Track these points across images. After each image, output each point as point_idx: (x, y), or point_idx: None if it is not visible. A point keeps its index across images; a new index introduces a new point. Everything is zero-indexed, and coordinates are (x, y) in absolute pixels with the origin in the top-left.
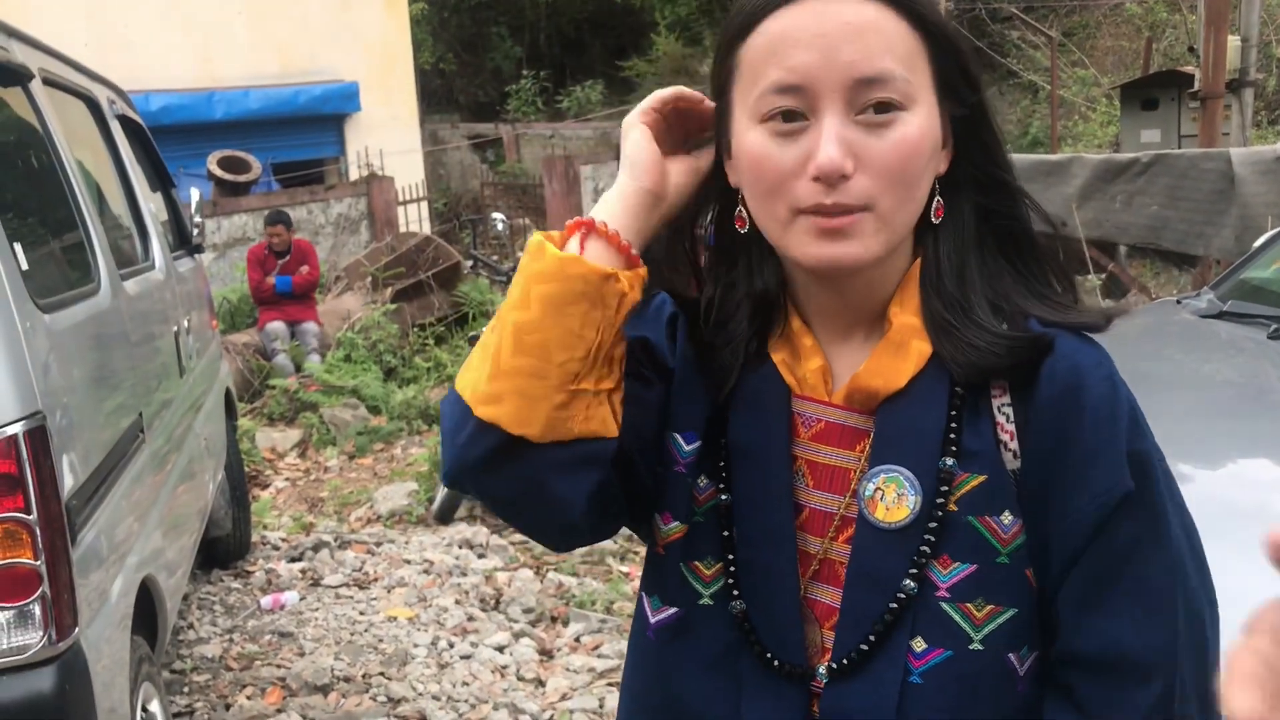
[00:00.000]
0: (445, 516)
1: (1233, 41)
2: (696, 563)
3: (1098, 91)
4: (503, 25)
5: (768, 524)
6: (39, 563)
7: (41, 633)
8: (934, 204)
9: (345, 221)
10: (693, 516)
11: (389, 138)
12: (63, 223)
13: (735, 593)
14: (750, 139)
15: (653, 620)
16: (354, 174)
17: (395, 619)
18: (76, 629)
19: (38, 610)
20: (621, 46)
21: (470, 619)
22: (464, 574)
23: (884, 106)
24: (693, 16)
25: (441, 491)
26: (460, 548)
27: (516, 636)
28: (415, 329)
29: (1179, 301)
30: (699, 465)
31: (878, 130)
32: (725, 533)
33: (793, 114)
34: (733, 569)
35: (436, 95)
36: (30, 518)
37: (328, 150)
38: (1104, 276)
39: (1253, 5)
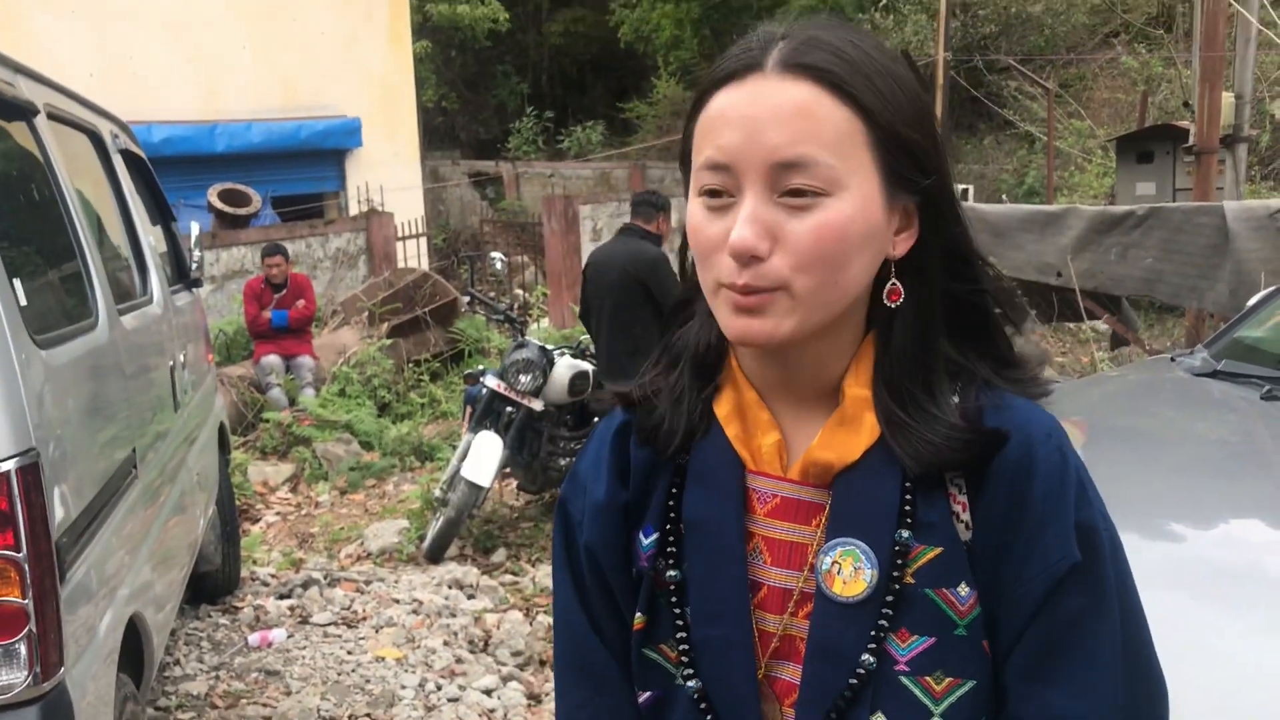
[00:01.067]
0: (436, 555)
1: (1227, 98)
2: (663, 645)
3: (1094, 143)
4: (508, 64)
5: (722, 602)
6: (26, 601)
7: (26, 672)
8: (888, 287)
9: (343, 256)
10: (655, 602)
11: (390, 173)
12: (62, 257)
13: (689, 672)
14: (691, 208)
15: (639, 701)
16: (354, 209)
17: (383, 659)
18: (62, 668)
19: (23, 649)
20: (623, 88)
21: (459, 661)
22: (453, 615)
23: (803, 191)
24: (693, 60)
25: (433, 530)
26: (450, 588)
27: (505, 680)
28: (411, 365)
29: (1173, 359)
30: (658, 554)
31: (797, 213)
32: (678, 612)
33: (719, 191)
34: (685, 648)
35: (438, 132)
36: (19, 555)
37: (328, 185)
38: (1103, 327)
39: (1246, 63)
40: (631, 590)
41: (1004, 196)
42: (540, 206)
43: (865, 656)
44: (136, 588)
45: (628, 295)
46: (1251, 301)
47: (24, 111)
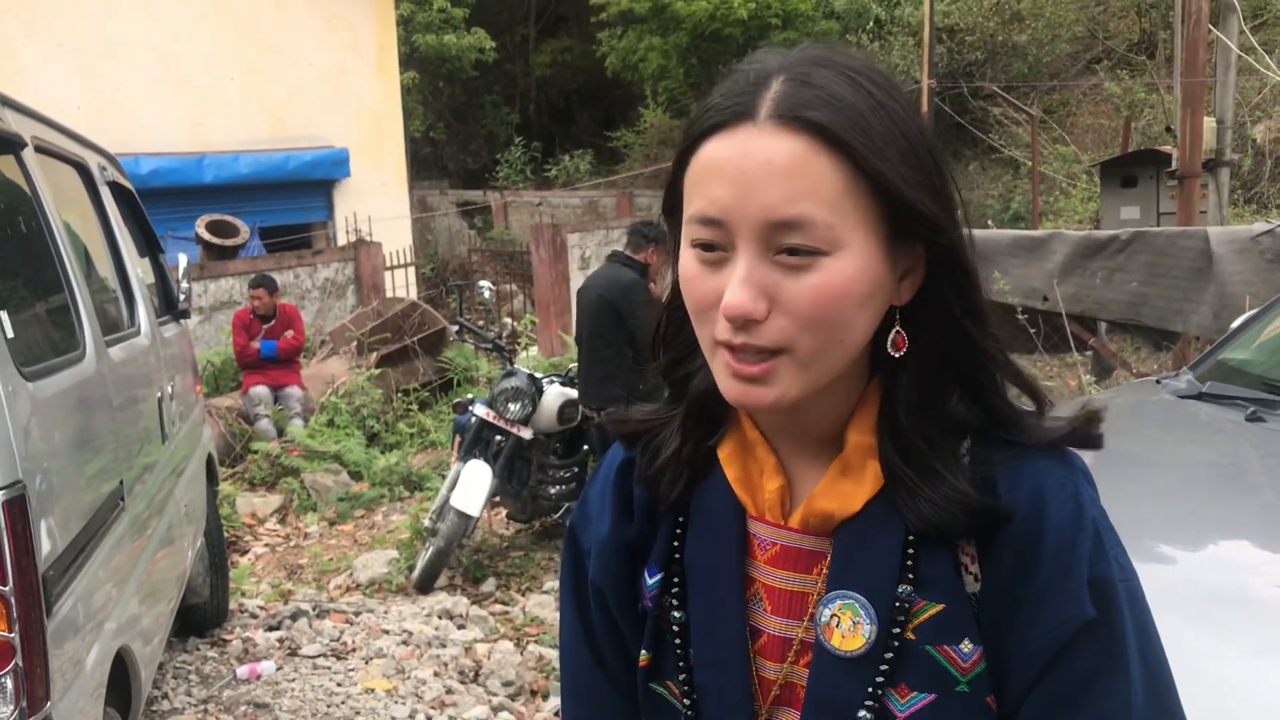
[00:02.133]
0: (425, 585)
1: (1209, 123)
2: (669, 682)
3: (1078, 168)
4: (496, 94)
5: (720, 648)
6: (12, 635)
7: (13, 707)
8: (892, 335)
9: (332, 286)
10: (661, 640)
11: (378, 203)
12: (50, 289)
13: (692, 714)
14: (684, 258)
15: None
16: (342, 239)
17: (373, 691)
18: (49, 702)
19: (9, 684)
20: (610, 117)
21: (449, 691)
22: (443, 645)
23: (799, 251)
24: (681, 90)
25: (422, 560)
26: (440, 618)
27: (495, 710)
28: (399, 394)
29: (1158, 382)
30: (663, 594)
31: (794, 273)
32: (680, 652)
33: (712, 245)
34: (688, 689)
35: (426, 162)
36: (5, 588)
37: (316, 215)
38: (1088, 353)
39: (1227, 89)
40: (638, 625)
41: (990, 222)
42: (528, 235)
43: (862, 713)
44: (124, 621)
45: (602, 320)
46: (1236, 324)
47: (11, 144)
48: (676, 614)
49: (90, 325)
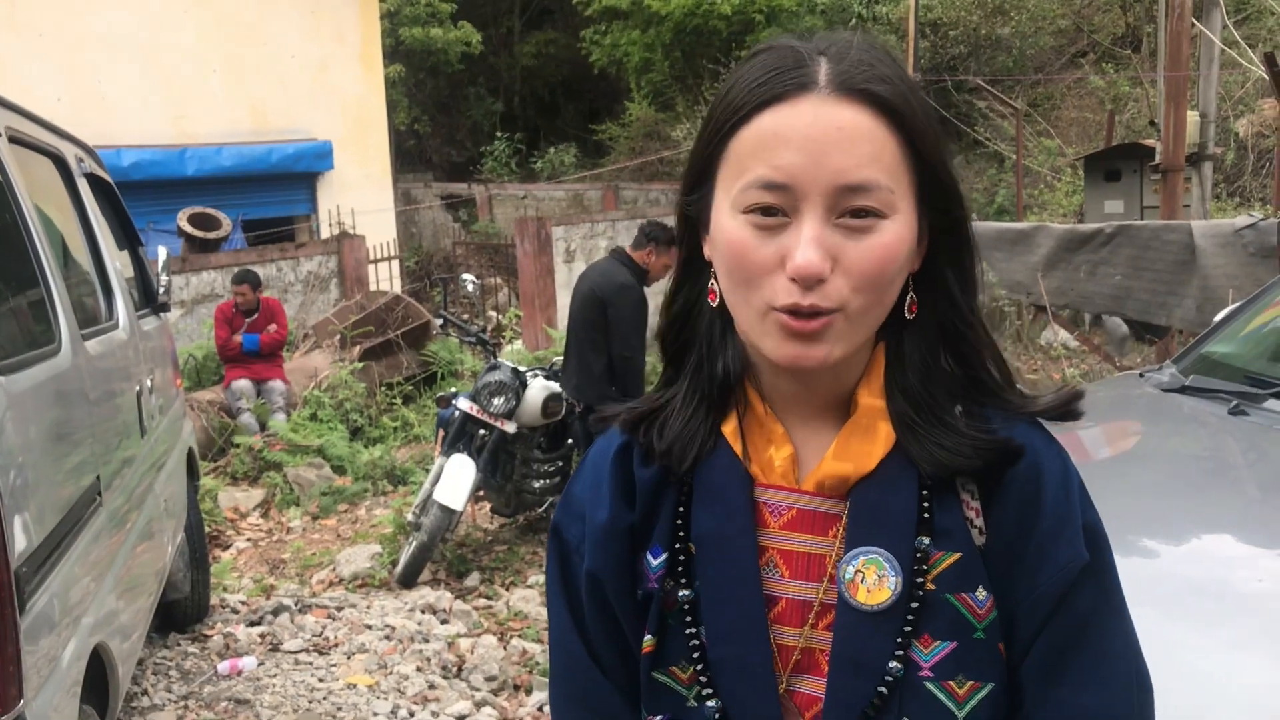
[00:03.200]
0: (409, 580)
1: (1192, 117)
2: (674, 668)
3: (1062, 162)
4: (480, 86)
5: (738, 619)
6: None
7: None
8: (908, 299)
9: (315, 279)
10: (666, 624)
11: (361, 196)
12: (24, 282)
13: (708, 692)
14: (730, 226)
15: None
16: (325, 232)
17: (355, 686)
18: (21, 700)
19: None
20: (595, 110)
21: (431, 687)
22: (426, 640)
23: (864, 212)
24: (665, 83)
25: (406, 554)
26: (423, 613)
27: (478, 705)
28: (383, 388)
29: (1141, 375)
30: (668, 574)
31: (856, 235)
32: (691, 631)
33: (773, 209)
34: (701, 667)
35: (410, 155)
36: None
37: (299, 208)
38: (1074, 344)
39: (1210, 83)
40: (636, 614)
41: (975, 215)
42: (513, 228)
43: (892, 664)
44: (101, 617)
45: (588, 313)
46: (1219, 317)
47: None
48: (684, 592)
49: (66, 318)
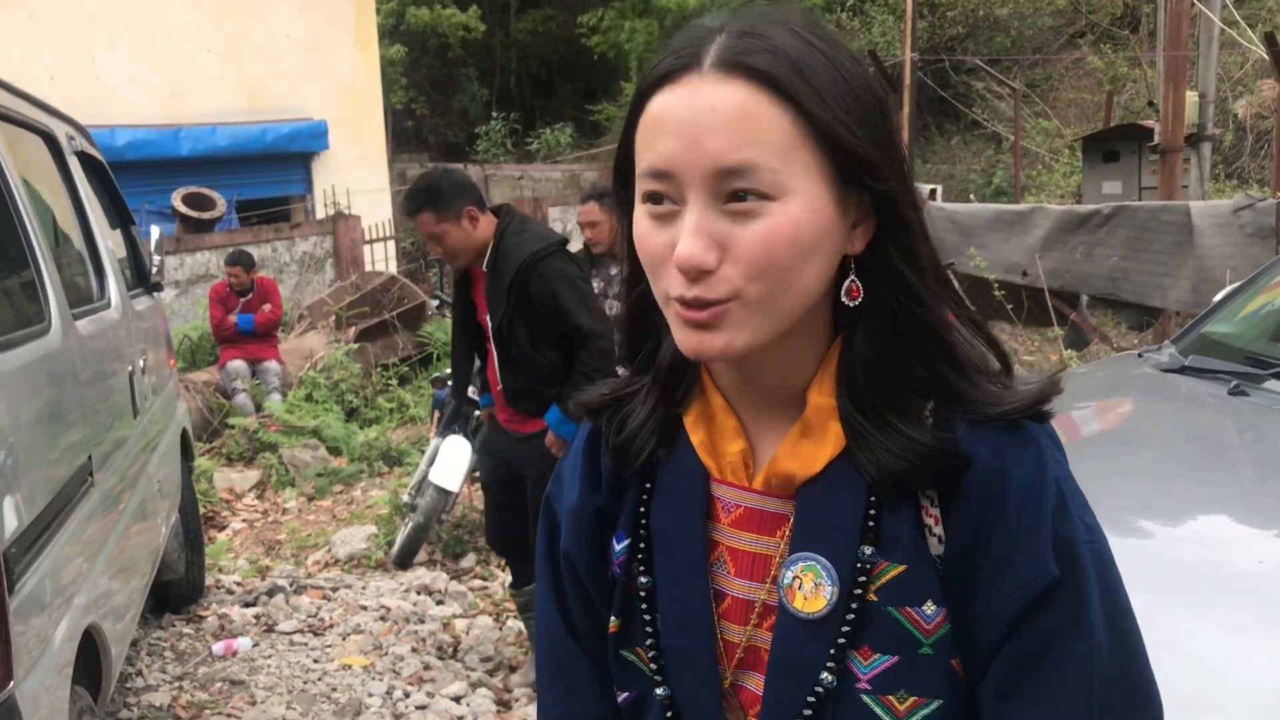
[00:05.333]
0: (404, 561)
1: (1191, 97)
2: (638, 648)
3: (1060, 143)
4: (471, 67)
5: (686, 611)
6: None
7: None
8: (846, 284)
9: (310, 260)
10: (630, 606)
11: (357, 177)
12: (13, 261)
13: (660, 679)
14: (636, 215)
15: (620, 700)
16: (320, 212)
17: (350, 667)
18: (11, 682)
19: None
20: (591, 90)
21: (427, 668)
22: (421, 621)
23: (746, 195)
24: None
25: (401, 535)
26: (419, 594)
27: (474, 686)
28: (378, 369)
29: (1140, 355)
30: (630, 560)
31: (742, 220)
32: (648, 618)
33: (661, 197)
34: (655, 654)
35: (406, 135)
36: None
37: (294, 188)
38: (1066, 326)
39: (1210, 63)
40: (607, 593)
41: (972, 196)
42: None
43: (825, 675)
44: (94, 598)
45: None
46: (1218, 297)
47: None
48: (643, 579)
49: (56, 297)
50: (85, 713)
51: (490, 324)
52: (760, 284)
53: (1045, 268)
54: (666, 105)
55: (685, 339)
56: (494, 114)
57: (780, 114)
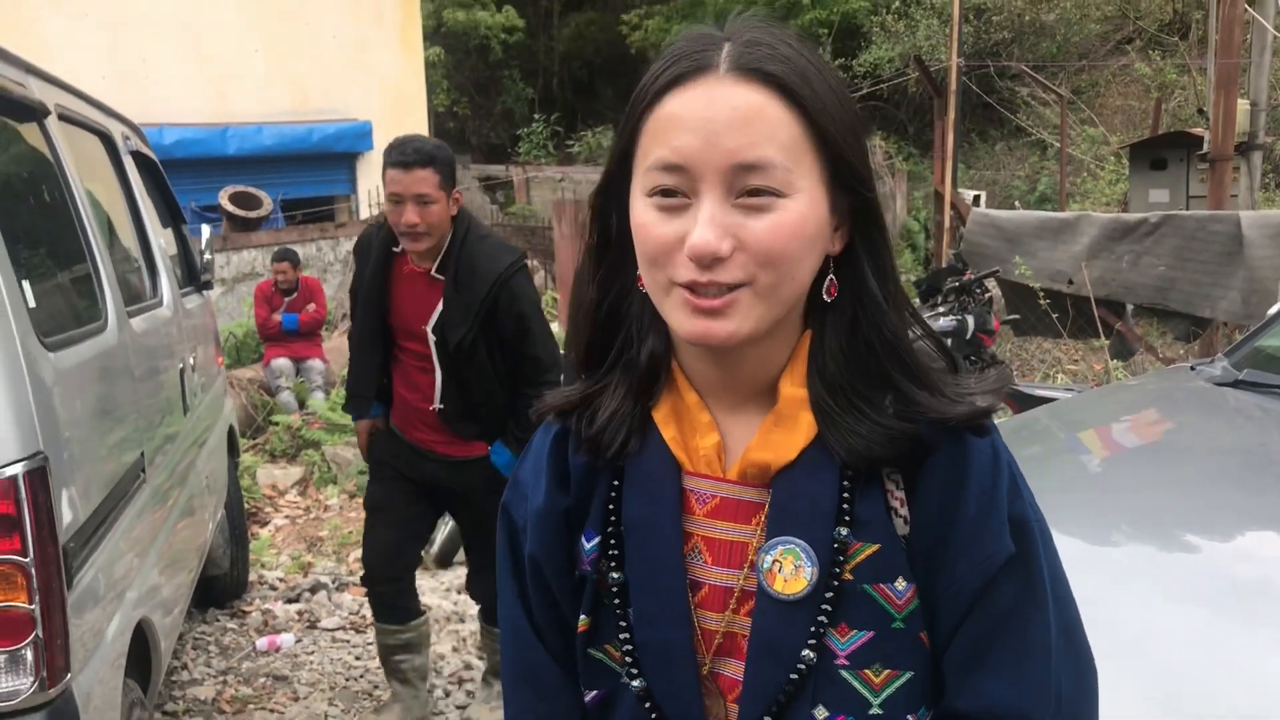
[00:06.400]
0: (445, 560)
1: (1242, 105)
2: (608, 645)
3: (1106, 150)
4: (514, 69)
5: (662, 602)
6: (33, 606)
7: (33, 678)
8: (826, 282)
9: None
10: (600, 604)
11: None
12: (72, 259)
13: (634, 671)
14: (638, 208)
15: (587, 700)
16: (365, 212)
17: None
18: (69, 674)
19: (30, 655)
20: (632, 92)
21: (468, 667)
22: (462, 620)
23: (761, 191)
24: None
25: (441, 534)
26: (459, 593)
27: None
28: None
29: (1192, 368)
30: (600, 557)
31: (755, 214)
32: (620, 613)
33: (673, 191)
34: (628, 648)
35: (449, 136)
36: (26, 560)
37: (339, 188)
38: (1112, 336)
39: (1262, 70)
40: (574, 594)
41: (1016, 203)
42: (550, 211)
43: (806, 652)
44: (144, 592)
45: None
46: (1272, 310)
47: (35, 112)
48: (615, 575)
49: (112, 295)
50: (136, 705)
51: (438, 336)
52: (770, 272)
53: (1091, 276)
54: (682, 104)
55: (691, 325)
56: (536, 116)
57: (790, 118)
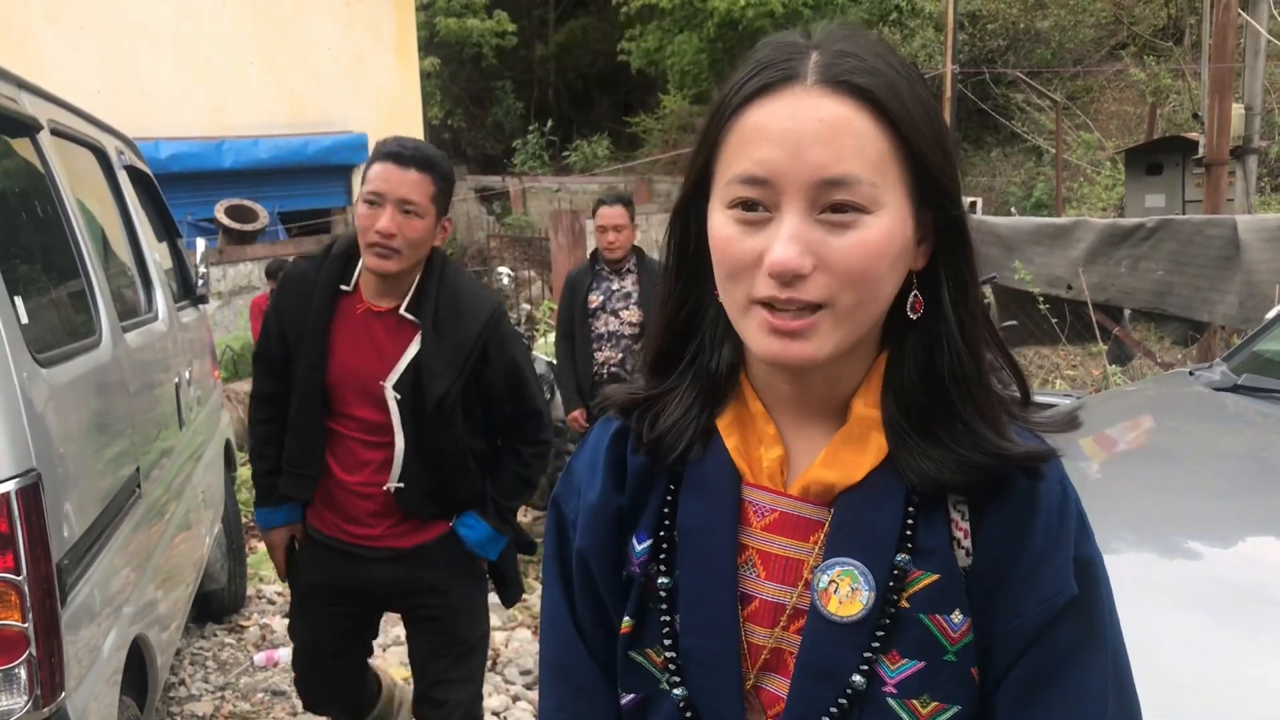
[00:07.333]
0: None
1: (1237, 109)
2: (649, 650)
3: (1102, 155)
4: (507, 80)
5: (712, 613)
6: (26, 624)
7: (26, 697)
8: (910, 298)
9: None
10: (645, 607)
11: None
12: (65, 274)
13: (677, 679)
14: (718, 221)
15: (622, 703)
16: None
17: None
18: (63, 692)
19: (23, 674)
20: (629, 103)
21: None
22: None
23: (845, 207)
24: (705, 77)
25: None
26: None
27: (514, 699)
28: None
29: (1191, 373)
30: (651, 560)
31: (838, 230)
32: (666, 619)
33: (755, 204)
34: (671, 655)
35: (445, 148)
36: (19, 578)
37: (335, 200)
38: (1110, 341)
39: (1256, 74)
40: (620, 594)
41: (1012, 209)
42: (547, 221)
43: (856, 677)
44: (140, 608)
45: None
46: (1270, 315)
47: (27, 127)
48: (664, 579)
49: (106, 310)
50: None
51: (401, 395)
52: (852, 293)
53: (1089, 281)
54: (767, 115)
55: (768, 345)
56: (531, 126)
57: (878, 132)
